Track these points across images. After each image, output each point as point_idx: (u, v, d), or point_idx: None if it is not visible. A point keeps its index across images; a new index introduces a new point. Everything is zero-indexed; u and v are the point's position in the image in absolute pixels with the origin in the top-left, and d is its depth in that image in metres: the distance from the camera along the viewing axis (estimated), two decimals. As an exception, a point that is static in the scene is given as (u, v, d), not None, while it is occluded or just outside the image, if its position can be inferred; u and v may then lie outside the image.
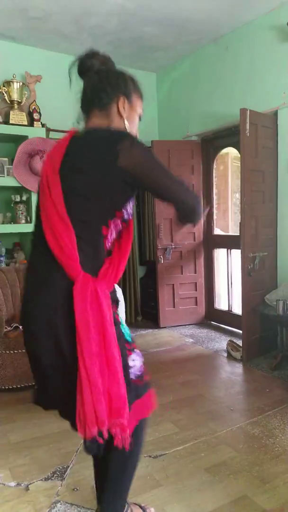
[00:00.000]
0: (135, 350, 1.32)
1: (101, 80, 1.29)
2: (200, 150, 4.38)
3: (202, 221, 4.29)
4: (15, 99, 3.62)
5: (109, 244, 1.28)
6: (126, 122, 1.30)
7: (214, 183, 4.45)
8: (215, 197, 4.46)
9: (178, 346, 3.77)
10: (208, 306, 4.53)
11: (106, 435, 1.18)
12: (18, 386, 2.78)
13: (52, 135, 3.87)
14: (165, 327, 4.36)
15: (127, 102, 1.30)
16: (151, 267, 4.64)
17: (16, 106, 3.64)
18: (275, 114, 3.43)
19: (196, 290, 4.48)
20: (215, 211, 4.46)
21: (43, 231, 1.20)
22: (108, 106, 1.29)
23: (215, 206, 4.47)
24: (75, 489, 1.78)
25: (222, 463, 1.96)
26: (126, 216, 1.28)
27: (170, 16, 3.49)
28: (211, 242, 4.46)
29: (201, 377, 3.05)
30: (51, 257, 1.17)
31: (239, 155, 3.45)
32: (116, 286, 2.81)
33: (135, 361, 1.30)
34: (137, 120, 1.36)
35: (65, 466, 1.94)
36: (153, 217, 4.48)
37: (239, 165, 3.37)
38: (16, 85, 3.61)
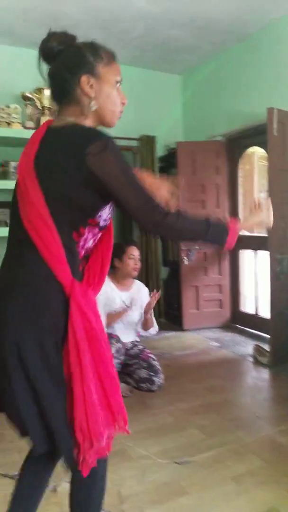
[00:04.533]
0: None
1: (57, 67, 1.14)
2: (225, 150, 4.32)
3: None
4: (46, 106, 3.69)
5: (83, 251, 1.16)
6: (92, 103, 1.13)
7: (240, 183, 4.39)
8: (240, 197, 4.40)
9: (202, 350, 3.74)
10: (234, 308, 4.47)
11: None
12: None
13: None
14: (188, 330, 4.33)
15: (92, 78, 1.13)
16: (174, 268, 4.62)
17: (47, 112, 3.71)
18: (304, 113, 3.35)
19: (221, 292, 4.43)
20: (240, 210, 4.40)
21: (24, 231, 1.08)
22: (73, 93, 1.13)
23: (240, 206, 4.41)
24: (101, 494, 1.78)
25: (249, 472, 1.93)
26: (102, 223, 1.16)
27: (195, 18, 3.47)
28: (237, 243, 4.34)
29: (227, 382, 3.01)
30: (39, 257, 1.07)
31: (265, 154, 3.39)
32: (143, 286, 2.82)
33: None
34: (113, 91, 1.17)
35: (91, 470, 1.95)
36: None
37: (266, 164, 3.31)
38: (47, 92, 3.67)
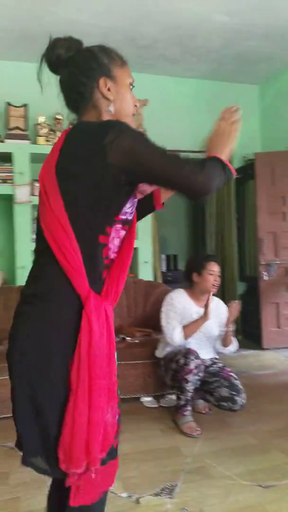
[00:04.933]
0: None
1: (71, 73, 1.11)
2: (307, 160, 4.15)
3: None
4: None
5: (112, 254, 1.09)
6: (110, 108, 1.11)
7: None
8: None
9: (283, 370, 3.56)
10: None
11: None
12: (125, 397, 2.86)
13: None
14: (268, 349, 4.15)
15: (109, 81, 1.11)
16: (252, 283, 4.49)
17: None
18: None
19: (303, 310, 4.21)
20: None
21: (45, 242, 1.05)
22: (91, 97, 1.10)
23: None
24: (184, 510, 1.76)
25: None
26: (129, 217, 1.11)
27: (272, 27, 3.43)
28: None
29: (312, 405, 2.83)
30: (58, 268, 1.02)
31: None
32: (222, 302, 2.78)
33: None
34: (128, 93, 1.14)
35: (173, 484, 1.94)
36: (253, 230, 4.34)
37: None
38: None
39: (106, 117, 1.11)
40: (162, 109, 4.03)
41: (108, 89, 1.10)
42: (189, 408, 2.49)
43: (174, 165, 1.00)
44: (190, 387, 2.43)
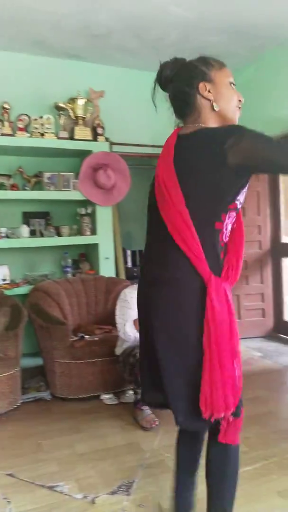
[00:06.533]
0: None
1: (176, 87, 1.32)
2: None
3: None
4: (80, 115, 3.75)
5: (226, 238, 1.28)
6: (214, 105, 1.28)
7: (281, 189, 4.26)
8: (282, 205, 4.26)
9: (244, 360, 3.61)
10: (277, 318, 4.30)
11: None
12: (83, 396, 2.82)
13: (115, 148, 3.95)
14: (230, 340, 4.20)
15: (207, 84, 1.28)
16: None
17: (80, 122, 3.76)
18: None
19: (263, 301, 4.29)
20: (282, 217, 4.26)
21: (166, 231, 1.23)
22: (195, 102, 1.29)
23: (282, 212, 4.27)
24: (141, 506, 1.74)
25: (296, 488, 1.82)
26: (239, 206, 1.27)
27: (232, 23, 3.42)
28: (279, 250, 4.26)
29: (271, 393, 2.88)
30: (182, 256, 1.21)
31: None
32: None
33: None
34: (230, 91, 1.32)
35: (130, 481, 1.91)
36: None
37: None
38: (80, 102, 3.74)
39: (209, 115, 1.29)
40: (120, 102, 3.96)
41: (209, 91, 1.28)
42: (148, 402, 2.47)
43: (283, 155, 1.16)
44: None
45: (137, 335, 2.49)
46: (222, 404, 1.20)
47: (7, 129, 3.42)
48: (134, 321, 2.48)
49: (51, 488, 1.88)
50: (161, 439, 2.28)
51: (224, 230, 1.25)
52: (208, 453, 1.38)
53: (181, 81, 1.30)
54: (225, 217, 1.23)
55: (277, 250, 4.26)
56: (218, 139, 1.18)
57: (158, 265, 1.28)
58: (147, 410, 2.46)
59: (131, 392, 2.79)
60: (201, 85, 1.28)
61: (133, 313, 2.53)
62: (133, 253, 5.35)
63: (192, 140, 1.25)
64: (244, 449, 2.14)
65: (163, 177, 1.25)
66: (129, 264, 5.18)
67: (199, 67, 1.30)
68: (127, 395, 2.83)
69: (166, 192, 1.23)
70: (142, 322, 1.38)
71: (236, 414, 1.26)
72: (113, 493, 1.83)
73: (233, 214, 1.26)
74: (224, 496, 1.39)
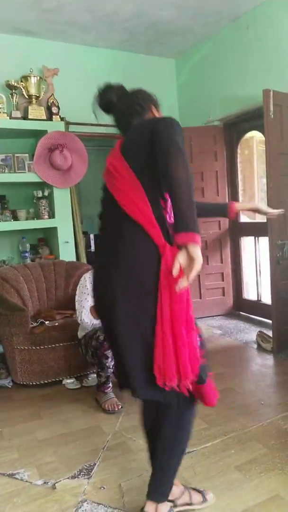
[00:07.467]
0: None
1: (127, 102, 1.48)
2: (223, 135, 4.24)
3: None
4: (33, 94, 3.60)
5: (171, 219, 1.31)
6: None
7: (239, 169, 4.30)
8: (240, 182, 4.32)
9: (207, 338, 3.66)
10: (236, 296, 4.41)
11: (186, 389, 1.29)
12: (45, 381, 2.80)
13: (72, 128, 3.84)
14: (192, 319, 4.27)
15: (155, 109, 1.50)
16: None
17: (34, 100, 3.62)
18: (301, 93, 3.26)
19: (223, 280, 4.38)
20: (240, 197, 4.32)
21: (118, 207, 1.31)
22: (143, 115, 1.47)
23: (240, 192, 4.33)
24: (102, 488, 1.75)
25: (253, 460, 1.89)
26: None
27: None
28: (238, 230, 4.33)
29: (230, 370, 2.97)
30: (137, 228, 1.28)
31: (263, 139, 3.30)
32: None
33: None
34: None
35: (91, 464, 1.92)
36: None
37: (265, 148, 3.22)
38: (33, 80, 3.58)
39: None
40: (74, 80, 3.83)
41: (157, 113, 1.52)
42: (110, 385, 2.48)
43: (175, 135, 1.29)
44: (110, 363, 2.41)
45: (95, 321, 2.48)
46: (174, 373, 1.25)
47: None
48: (91, 308, 2.45)
49: (11, 475, 1.86)
50: (122, 421, 2.30)
51: (167, 209, 1.32)
52: (161, 421, 1.46)
53: (132, 98, 1.48)
54: (167, 195, 1.29)
55: (236, 230, 4.33)
56: (152, 120, 1.36)
57: (112, 247, 1.33)
58: (110, 393, 2.47)
59: (93, 375, 2.79)
60: (152, 107, 1.49)
61: (92, 299, 2.51)
62: (96, 236, 5.30)
63: (133, 129, 1.42)
64: (204, 425, 2.21)
65: (111, 161, 1.36)
66: (92, 248, 5.13)
67: (147, 93, 1.51)
68: (89, 378, 2.83)
69: (114, 171, 1.33)
70: (99, 302, 1.43)
71: (200, 382, 1.34)
72: (73, 477, 1.83)
73: None
74: (173, 453, 1.49)
